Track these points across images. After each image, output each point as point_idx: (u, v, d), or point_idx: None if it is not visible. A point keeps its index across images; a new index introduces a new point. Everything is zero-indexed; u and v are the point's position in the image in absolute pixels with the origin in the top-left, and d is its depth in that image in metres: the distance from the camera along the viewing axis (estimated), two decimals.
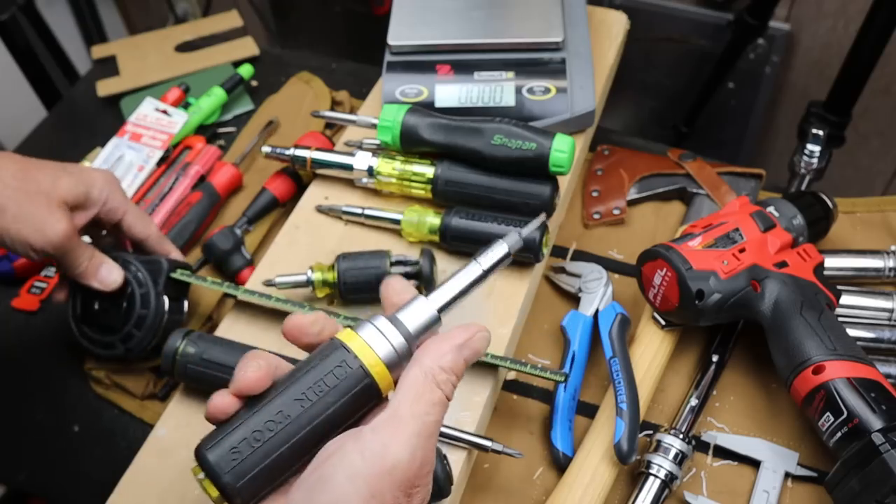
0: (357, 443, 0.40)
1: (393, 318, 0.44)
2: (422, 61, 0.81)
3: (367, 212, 0.75)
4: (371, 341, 0.43)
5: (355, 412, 0.43)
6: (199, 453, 0.41)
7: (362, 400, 0.43)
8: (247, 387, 0.42)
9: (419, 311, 0.45)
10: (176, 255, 0.75)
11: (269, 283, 0.71)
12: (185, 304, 0.75)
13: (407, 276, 0.69)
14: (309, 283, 0.70)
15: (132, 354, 0.72)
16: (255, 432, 0.41)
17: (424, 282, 0.69)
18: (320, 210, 0.77)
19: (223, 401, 0.43)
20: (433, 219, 0.72)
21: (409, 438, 0.40)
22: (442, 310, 0.46)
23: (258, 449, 0.41)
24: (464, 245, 0.71)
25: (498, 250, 0.48)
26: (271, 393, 0.43)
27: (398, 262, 0.69)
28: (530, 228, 0.51)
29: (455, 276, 0.47)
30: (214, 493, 0.41)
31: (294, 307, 0.68)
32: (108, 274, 0.69)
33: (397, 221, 0.73)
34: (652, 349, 0.72)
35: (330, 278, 0.70)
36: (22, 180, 0.64)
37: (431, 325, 0.45)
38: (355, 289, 0.69)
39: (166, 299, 0.72)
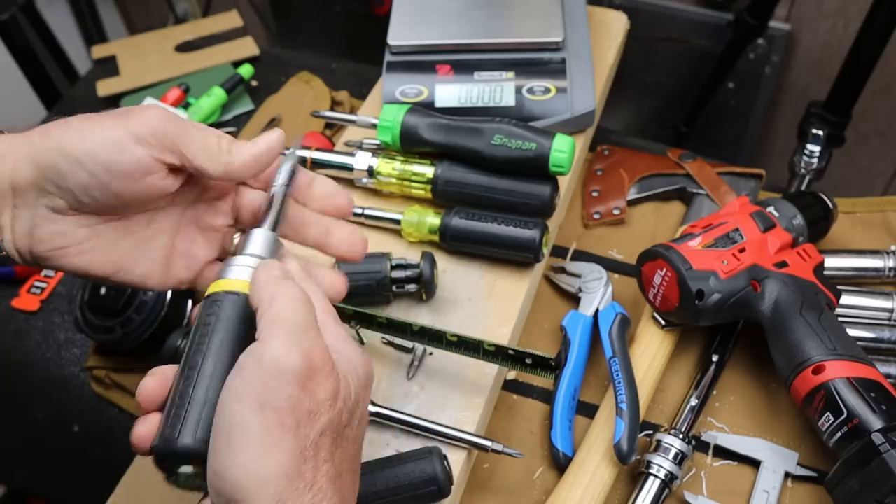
0: (236, 370, 0.39)
1: (242, 252, 0.46)
2: (422, 61, 0.81)
3: (367, 212, 0.75)
4: (230, 275, 0.45)
5: (245, 330, 0.43)
6: (173, 449, 0.41)
7: (245, 319, 0.44)
8: (148, 398, 0.43)
9: (258, 237, 0.47)
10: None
11: None
12: (190, 302, 0.76)
13: (407, 279, 0.69)
14: None
15: (129, 340, 0.72)
16: (180, 399, 0.41)
17: (425, 285, 0.69)
18: None
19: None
20: (433, 219, 0.72)
21: (280, 338, 0.39)
22: (274, 228, 0.48)
23: (194, 409, 0.41)
24: (464, 245, 0.71)
25: (285, 169, 0.51)
26: (182, 369, 0.43)
27: (398, 266, 0.69)
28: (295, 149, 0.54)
29: (272, 204, 0.49)
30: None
31: None
32: (264, 140, 0.48)
33: (397, 221, 0.73)
34: (652, 349, 0.72)
35: None
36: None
37: (274, 244, 0.48)
38: (355, 294, 0.69)
39: (169, 292, 0.72)
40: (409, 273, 0.69)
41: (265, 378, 0.38)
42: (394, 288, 0.69)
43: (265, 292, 0.42)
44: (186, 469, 0.41)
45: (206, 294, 0.45)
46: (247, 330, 0.43)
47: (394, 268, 0.69)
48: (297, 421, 0.38)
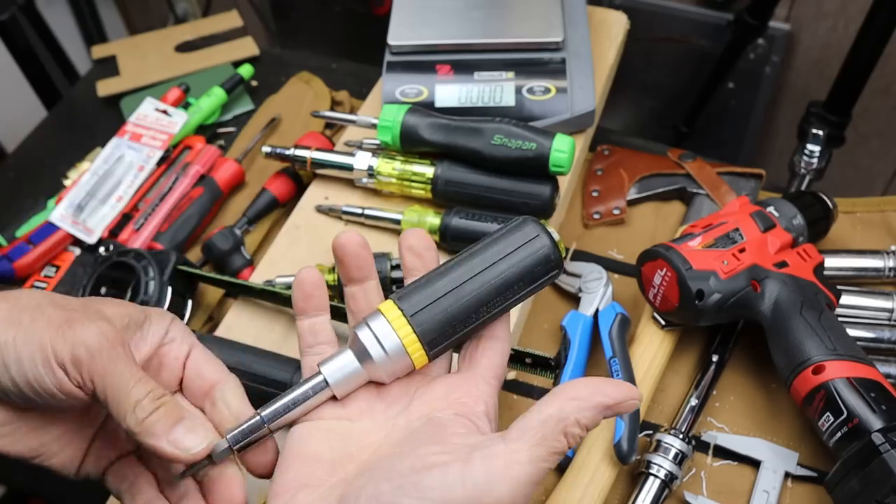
0: (465, 465, 0.37)
1: None
2: (422, 61, 0.81)
3: (367, 212, 0.75)
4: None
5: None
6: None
7: (540, 270, 0.44)
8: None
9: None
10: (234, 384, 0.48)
11: (269, 284, 0.71)
12: (189, 304, 0.76)
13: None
14: None
15: None
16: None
17: None
18: (320, 210, 0.77)
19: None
20: (433, 219, 0.72)
21: (516, 481, 0.37)
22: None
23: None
24: (464, 245, 0.71)
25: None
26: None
27: (399, 266, 0.69)
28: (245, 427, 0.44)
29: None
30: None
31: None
32: (183, 436, 0.42)
33: (397, 221, 0.73)
34: (652, 349, 0.72)
35: (330, 280, 0.70)
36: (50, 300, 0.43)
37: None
38: None
39: (170, 290, 0.73)
40: None
41: None
42: (394, 288, 0.69)
43: (538, 432, 0.39)
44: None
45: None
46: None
47: (394, 268, 0.69)
48: None
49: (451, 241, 0.71)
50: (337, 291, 0.70)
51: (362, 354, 0.43)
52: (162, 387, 0.42)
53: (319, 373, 0.43)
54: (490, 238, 0.45)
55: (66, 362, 0.40)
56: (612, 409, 0.40)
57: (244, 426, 0.43)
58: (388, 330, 0.42)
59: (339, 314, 0.68)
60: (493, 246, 0.44)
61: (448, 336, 0.43)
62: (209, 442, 0.42)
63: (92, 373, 0.40)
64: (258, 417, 0.43)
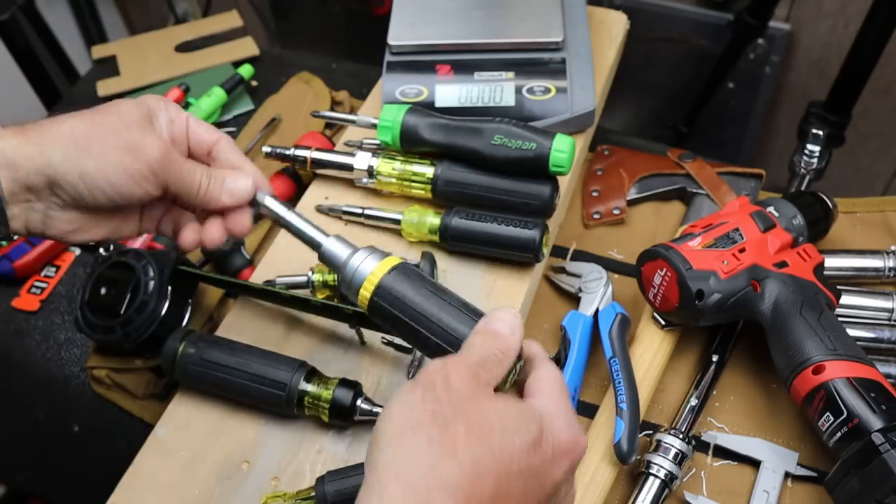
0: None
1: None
2: (422, 61, 0.81)
3: (367, 212, 0.75)
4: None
5: None
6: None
7: None
8: None
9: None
10: (254, 172, 0.59)
11: (269, 284, 0.71)
12: (189, 304, 0.76)
13: None
14: (309, 284, 0.70)
15: (129, 340, 0.72)
16: None
17: None
18: (320, 210, 0.77)
19: None
20: (433, 219, 0.72)
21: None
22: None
23: None
24: (464, 245, 0.71)
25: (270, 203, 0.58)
26: None
27: None
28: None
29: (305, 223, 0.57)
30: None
31: (300, 304, 0.68)
32: (234, 183, 0.56)
33: (397, 221, 0.73)
34: (652, 349, 0.72)
35: (330, 280, 0.70)
36: (82, 118, 0.53)
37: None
38: None
39: (169, 289, 0.73)
40: None
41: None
42: None
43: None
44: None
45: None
46: None
47: None
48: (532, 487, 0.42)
49: (451, 240, 0.71)
50: (337, 292, 0.70)
51: (344, 259, 0.53)
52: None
53: (328, 236, 0.55)
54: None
55: (146, 177, 0.53)
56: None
57: (268, 195, 0.58)
58: (368, 270, 0.52)
59: (338, 314, 0.68)
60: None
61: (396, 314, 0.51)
62: (251, 182, 0.57)
63: (165, 176, 0.53)
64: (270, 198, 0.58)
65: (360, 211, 0.75)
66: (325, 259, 0.55)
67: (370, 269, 0.52)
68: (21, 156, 0.50)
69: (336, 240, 0.55)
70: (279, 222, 0.58)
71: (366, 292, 0.51)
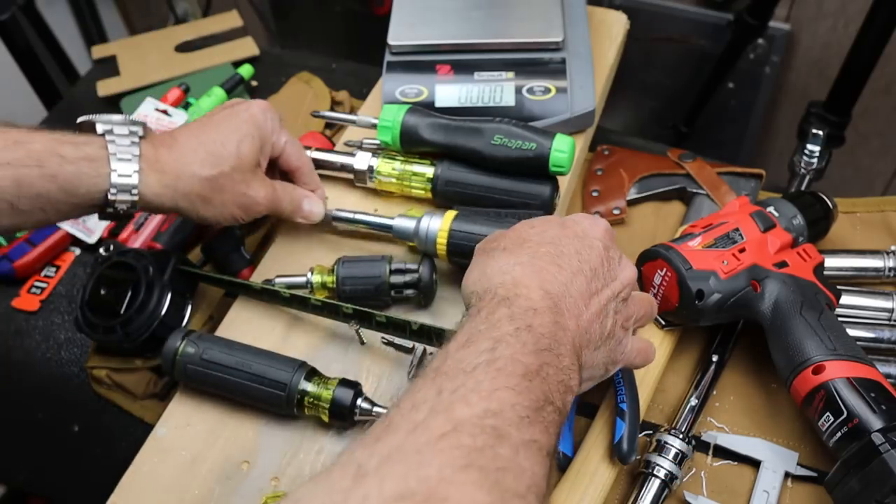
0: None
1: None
2: (422, 61, 0.81)
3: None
4: None
5: None
6: None
7: None
8: None
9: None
10: (321, 192, 0.75)
11: (269, 284, 0.71)
12: (189, 303, 0.76)
13: (406, 284, 0.69)
14: (308, 284, 0.70)
15: (129, 340, 0.72)
16: None
17: (424, 290, 0.69)
18: None
19: None
20: None
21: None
22: None
23: None
24: (463, 245, 0.71)
25: None
26: None
27: (398, 271, 0.69)
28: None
29: None
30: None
31: (299, 304, 0.68)
32: (310, 208, 0.72)
33: (388, 228, 0.72)
34: None
35: (329, 281, 0.70)
36: (210, 165, 0.64)
37: None
38: (353, 297, 0.69)
39: (170, 290, 0.73)
40: (407, 278, 0.68)
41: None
42: (392, 293, 0.69)
43: None
44: None
45: None
46: None
47: (393, 272, 0.69)
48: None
49: (450, 240, 0.71)
50: (336, 292, 0.70)
51: (415, 227, 0.70)
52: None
53: (392, 218, 0.71)
54: None
55: (256, 212, 0.69)
56: None
57: (335, 210, 0.74)
58: (436, 226, 0.68)
59: (338, 314, 0.68)
60: None
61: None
62: (322, 207, 0.73)
63: (271, 209, 0.70)
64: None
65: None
66: (399, 234, 0.70)
67: (438, 226, 0.67)
68: (156, 197, 0.63)
69: (400, 218, 0.70)
70: (350, 225, 0.74)
71: (441, 240, 0.67)
